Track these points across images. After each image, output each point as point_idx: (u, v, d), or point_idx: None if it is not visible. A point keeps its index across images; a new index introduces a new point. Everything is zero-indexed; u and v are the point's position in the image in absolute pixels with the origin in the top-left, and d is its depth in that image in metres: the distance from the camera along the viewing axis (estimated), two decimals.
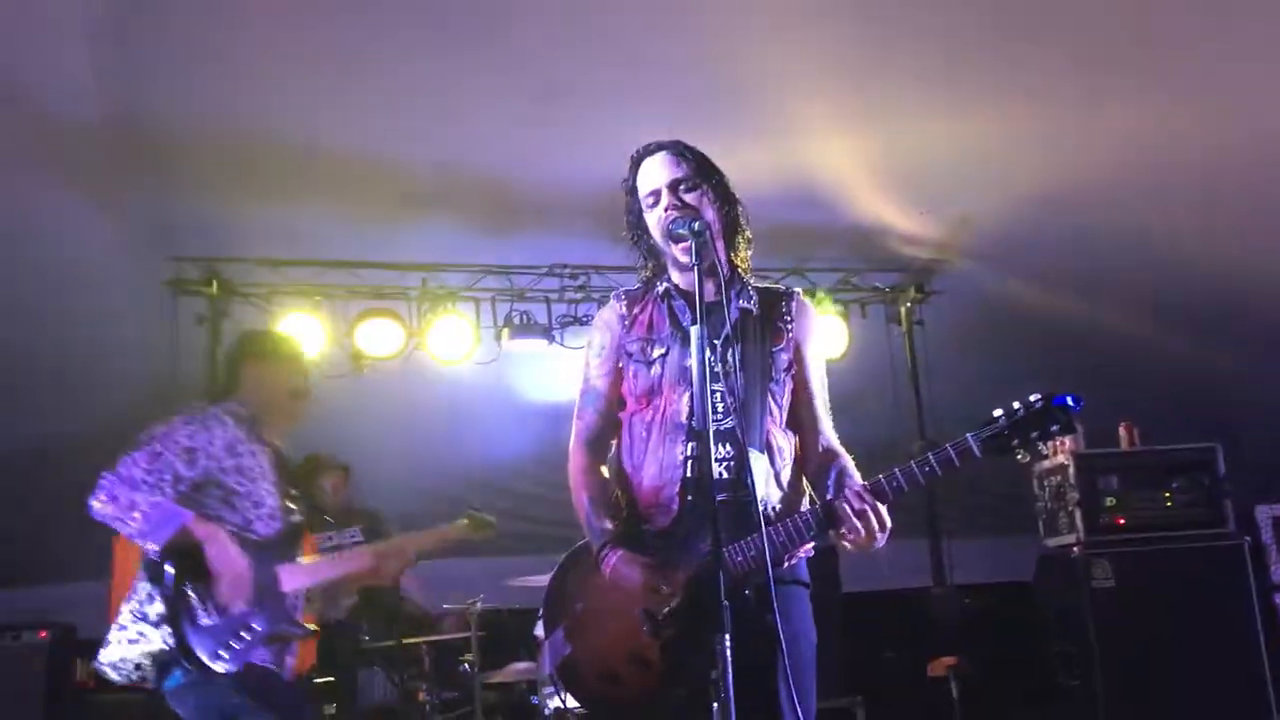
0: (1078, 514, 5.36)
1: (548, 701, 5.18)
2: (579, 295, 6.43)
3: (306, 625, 3.61)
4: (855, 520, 2.59)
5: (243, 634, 3.43)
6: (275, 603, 3.51)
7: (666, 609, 2.66)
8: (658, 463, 2.81)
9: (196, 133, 5.01)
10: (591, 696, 2.80)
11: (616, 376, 2.96)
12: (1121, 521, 5.35)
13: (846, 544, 2.64)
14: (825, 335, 3.05)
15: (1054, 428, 2.57)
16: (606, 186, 5.54)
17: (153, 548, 3.33)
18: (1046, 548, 5.66)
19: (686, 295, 2.88)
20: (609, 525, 2.79)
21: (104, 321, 6.01)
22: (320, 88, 4.91)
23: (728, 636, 2.36)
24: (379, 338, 6.04)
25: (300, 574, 3.61)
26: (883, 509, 2.62)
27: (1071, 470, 5.40)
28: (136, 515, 3.31)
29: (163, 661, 3.35)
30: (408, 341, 6.15)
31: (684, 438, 2.77)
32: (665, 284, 2.93)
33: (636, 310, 2.97)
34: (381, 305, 6.17)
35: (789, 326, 2.93)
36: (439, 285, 6.28)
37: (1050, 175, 5.55)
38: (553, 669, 2.83)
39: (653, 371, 2.87)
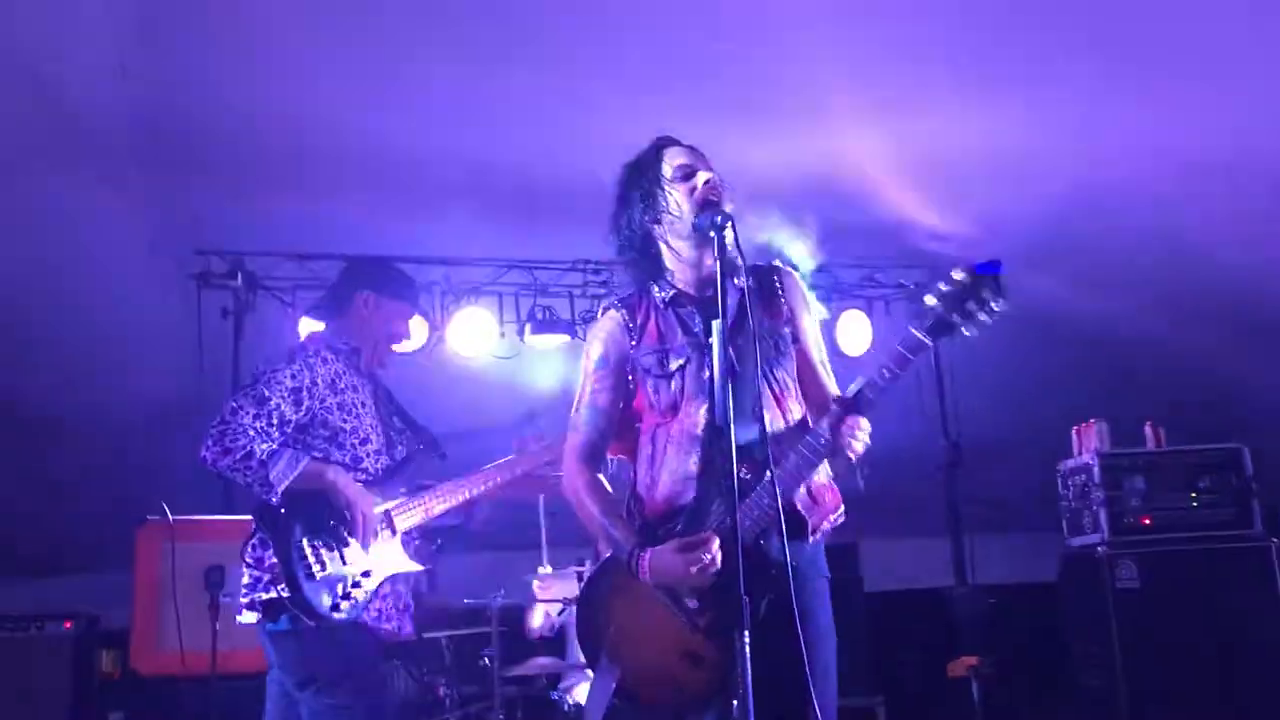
0: (1102, 514, 5.31)
1: (566, 696, 5.18)
2: (602, 290, 6.43)
3: (419, 565, 3.56)
4: (843, 437, 2.62)
5: (359, 581, 3.40)
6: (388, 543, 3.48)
7: (695, 602, 2.67)
8: (670, 474, 2.82)
9: (224, 127, 5.03)
10: (656, 707, 2.76)
11: (619, 391, 2.93)
12: (1147, 522, 5.30)
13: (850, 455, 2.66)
14: (812, 302, 3.06)
15: (985, 293, 2.56)
16: None
17: (273, 495, 3.29)
18: (1070, 548, 5.62)
19: (696, 302, 2.89)
20: (629, 532, 2.78)
21: (130, 314, 6.05)
22: (346, 82, 4.92)
23: (747, 634, 2.37)
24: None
25: (414, 514, 3.56)
26: (859, 420, 2.63)
27: (1097, 470, 5.36)
28: (254, 464, 3.25)
29: (273, 605, 3.32)
30: (430, 335, 6.16)
31: (697, 449, 2.78)
32: (666, 289, 2.92)
33: (640, 319, 2.94)
34: None
35: (783, 299, 2.94)
36: (462, 279, 6.29)
37: (1080, 172, 5.51)
38: (614, 699, 2.76)
39: (673, 386, 2.85)
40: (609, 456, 3.03)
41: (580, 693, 5.23)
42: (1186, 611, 5.12)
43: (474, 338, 6.20)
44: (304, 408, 3.40)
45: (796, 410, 2.86)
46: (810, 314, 2.99)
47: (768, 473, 2.59)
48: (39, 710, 5.18)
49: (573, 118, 5.11)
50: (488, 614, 5.19)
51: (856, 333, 6.46)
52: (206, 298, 5.90)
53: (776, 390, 2.85)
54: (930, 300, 2.60)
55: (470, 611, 5.49)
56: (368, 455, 3.53)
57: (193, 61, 4.83)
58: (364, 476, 3.49)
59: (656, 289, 2.93)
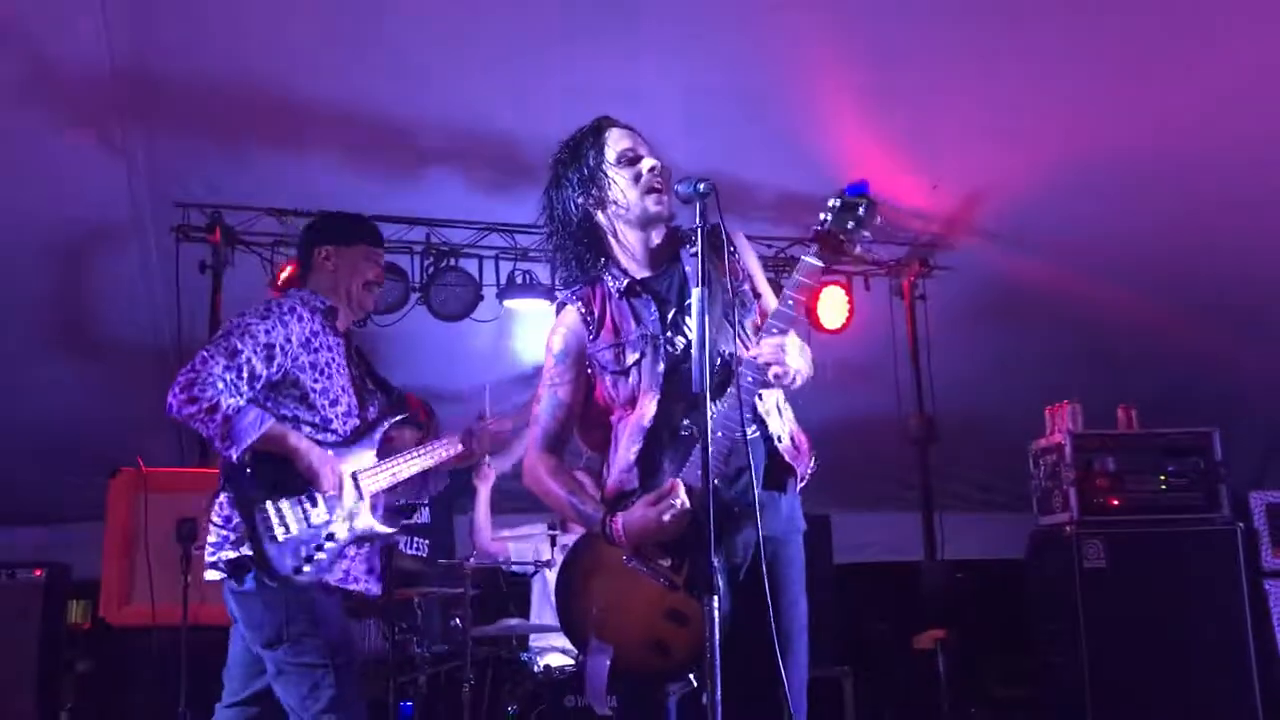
0: (1072, 493, 5.37)
1: (537, 658, 5.22)
2: None
3: (387, 528, 3.55)
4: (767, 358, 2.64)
5: (323, 543, 3.39)
6: (354, 505, 3.47)
7: (667, 560, 2.69)
8: (617, 465, 2.83)
9: (205, 79, 4.99)
10: (653, 674, 2.76)
11: (580, 384, 2.92)
12: (1116, 503, 5.36)
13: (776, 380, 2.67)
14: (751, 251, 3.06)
15: (860, 210, 2.66)
16: None
17: (234, 453, 3.26)
18: (1039, 526, 5.68)
19: (648, 287, 2.87)
20: (595, 503, 2.79)
21: (107, 264, 6.01)
22: (329, 41, 4.89)
23: (715, 599, 2.39)
24: (381, 292, 6.01)
25: (380, 476, 3.55)
26: (784, 341, 2.65)
27: (1068, 449, 5.41)
28: (218, 418, 3.21)
29: (238, 565, 3.32)
30: (408, 296, 6.14)
31: (640, 440, 2.77)
32: (619, 278, 2.89)
33: (596, 310, 2.90)
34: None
35: (739, 257, 2.93)
36: (442, 241, 6.27)
37: (1065, 154, 5.52)
38: (603, 680, 2.75)
39: (630, 380, 2.84)
40: (588, 452, 3.04)
41: (551, 658, 5.27)
42: (1152, 592, 5.19)
43: (453, 300, 6.17)
44: (276, 364, 3.36)
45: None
46: (752, 259, 2.98)
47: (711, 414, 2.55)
48: (5, 658, 5.16)
49: (557, 83, 5.08)
50: (461, 574, 5.21)
51: (836, 308, 6.46)
52: (185, 251, 5.85)
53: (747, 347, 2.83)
54: (816, 227, 2.70)
55: (444, 571, 5.50)
56: (337, 417, 3.50)
57: (176, 12, 4.78)
58: (333, 438, 3.47)
59: (610, 279, 2.90)
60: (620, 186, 2.85)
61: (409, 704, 5.17)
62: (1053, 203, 5.87)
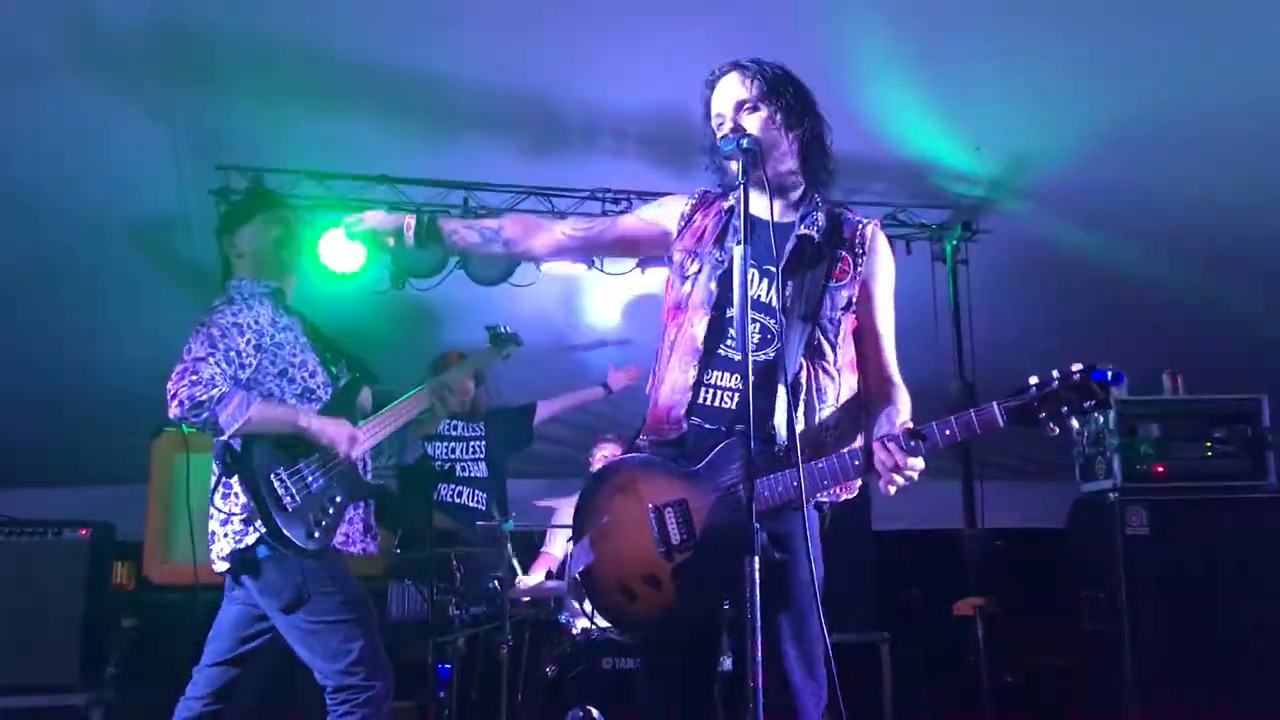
0: (1116, 460, 5.30)
1: (574, 620, 5.24)
2: None
3: (377, 484, 3.70)
4: (885, 470, 2.59)
5: (328, 508, 3.49)
6: (349, 470, 3.59)
7: (682, 538, 2.73)
8: (671, 383, 2.84)
9: (246, 40, 4.98)
10: (608, 608, 2.87)
11: (628, 233, 3.03)
12: (1160, 470, 5.29)
13: (881, 487, 2.63)
14: (893, 272, 2.94)
15: (1088, 403, 2.49)
16: (653, 110, 5.54)
17: (225, 435, 3.36)
18: (1082, 493, 5.62)
19: (757, 229, 2.83)
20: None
21: (148, 227, 6.05)
22: (370, 1, 4.86)
23: (757, 559, 2.39)
24: (351, 253, 5.98)
25: (362, 437, 3.64)
26: (911, 460, 2.59)
27: (1112, 416, 5.34)
28: (207, 400, 3.29)
29: (245, 557, 3.43)
30: (446, 260, 6.13)
31: (697, 362, 2.78)
32: (735, 199, 2.85)
33: (698, 216, 2.94)
34: None
35: (859, 261, 2.85)
36: (480, 205, 6.25)
37: (1111, 116, 5.42)
38: (576, 573, 2.90)
39: (684, 288, 2.87)
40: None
41: (585, 622, 5.29)
42: (1195, 560, 5.12)
43: (490, 265, 6.16)
44: (254, 345, 3.47)
45: (823, 378, 2.79)
46: (885, 282, 2.90)
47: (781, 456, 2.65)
48: (53, 615, 5.25)
49: (596, 44, 5.04)
50: (500, 536, 5.23)
51: None
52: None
53: (813, 353, 2.79)
54: (1032, 380, 2.53)
55: (484, 532, 5.54)
56: (319, 386, 3.63)
57: None
58: (319, 406, 3.58)
59: (730, 197, 2.90)
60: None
61: (447, 666, 5.22)
62: (1097, 166, 5.77)
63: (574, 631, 5.24)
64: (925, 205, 6.56)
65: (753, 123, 2.79)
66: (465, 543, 5.47)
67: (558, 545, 5.97)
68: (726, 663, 3.62)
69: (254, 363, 3.48)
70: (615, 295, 6.82)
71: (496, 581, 5.21)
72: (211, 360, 3.34)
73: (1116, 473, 5.29)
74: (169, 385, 3.32)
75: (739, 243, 2.55)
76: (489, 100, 5.45)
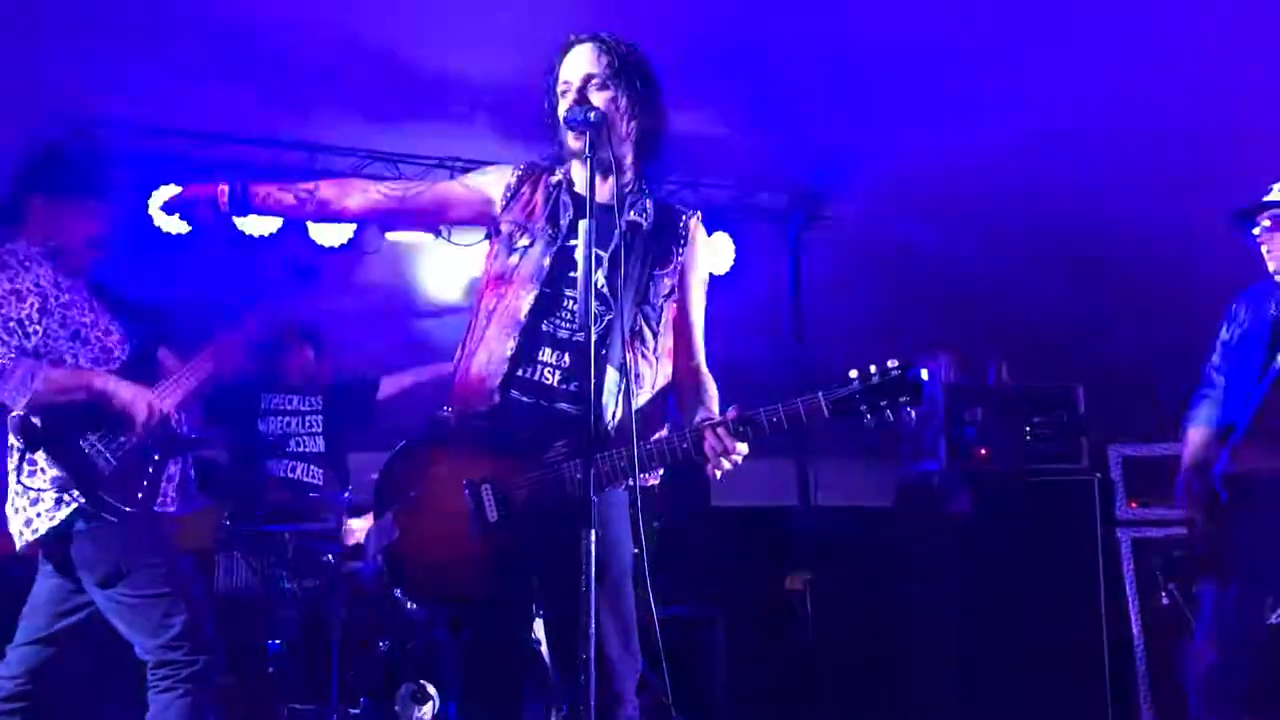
0: (941, 442, 5.51)
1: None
2: None
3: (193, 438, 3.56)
4: (714, 455, 2.65)
5: (147, 466, 3.34)
6: (162, 427, 3.42)
7: (498, 515, 2.70)
8: (488, 353, 2.80)
9: None
10: (417, 587, 2.87)
11: (437, 199, 3.00)
12: (983, 452, 5.52)
13: (708, 470, 2.69)
14: (711, 261, 3.04)
15: (903, 398, 2.57)
16: (509, 81, 5.46)
17: (16, 410, 3.19)
18: (909, 473, 5.82)
19: (577, 194, 2.84)
20: None
21: None
22: None
23: (594, 533, 2.40)
24: (258, 220, 5.82)
25: (167, 394, 3.48)
26: (739, 444, 2.66)
27: (940, 400, 5.54)
28: (8, 378, 3.14)
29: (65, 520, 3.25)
30: (286, 224, 5.95)
31: (517, 334, 2.76)
32: (562, 174, 2.88)
33: (525, 189, 2.91)
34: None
35: (679, 251, 2.89)
36: (324, 169, 6.08)
37: (953, 113, 5.60)
38: (378, 553, 2.84)
39: (511, 260, 2.84)
40: None
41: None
42: (1014, 538, 5.37)
43: (334, 230, 6.01)
44: (38, 308, 3.28)
45: (643, 365, 2.84)
46: (701, 273, 2.96)
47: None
48: None
49: (454, 8, 4.95)
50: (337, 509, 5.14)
51: (722, 253, 6.50)
52: None
53: (634, 337, 2.83)
54: (853, 374, 2.60)
55: (318, 505, 5.42)
56: (115, 345, 3.46)
57: None
58: (116, 366, 3.42)
59: (557, 171, 2.90)
60: (560, 115, 2.82)
61: (276, 642, 5.10)
62: (938, 160, 5.96)
63: (408, 605, 5.17)
64: (771, 190, 6.68)
65: (598, 100, 2.77)
66: (297, 517, 5.32)
67: None
68: (539, 633, 3.63)
69: (40, 329, 3.28)
70: (461, 267, 6.74)
71: (330, 555, 5.10)
72: None
73: (942, 454, 5.49)
74: None
75: (583, 219, 2.57)
76: (333, 57, 5.30)
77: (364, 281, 6.54)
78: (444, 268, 6.73)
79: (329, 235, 6.01)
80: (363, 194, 2.98)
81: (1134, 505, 5.58)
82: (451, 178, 6.04)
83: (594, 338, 2.49)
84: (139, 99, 5.48)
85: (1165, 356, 5.01)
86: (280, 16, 4.96)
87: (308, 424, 5.75)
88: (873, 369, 2.58)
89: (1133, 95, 5.33)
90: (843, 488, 7.36)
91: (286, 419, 5.71)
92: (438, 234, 6.24)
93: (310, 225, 5.93)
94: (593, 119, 2.63)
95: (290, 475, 5.64)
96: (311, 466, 5.69)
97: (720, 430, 2.64)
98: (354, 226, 6.01)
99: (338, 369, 6.07)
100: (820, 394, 2.62)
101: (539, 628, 3.35)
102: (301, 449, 5.63)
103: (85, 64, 5.14)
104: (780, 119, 5.75)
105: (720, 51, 5.16)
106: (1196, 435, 4.09)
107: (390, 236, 6.19)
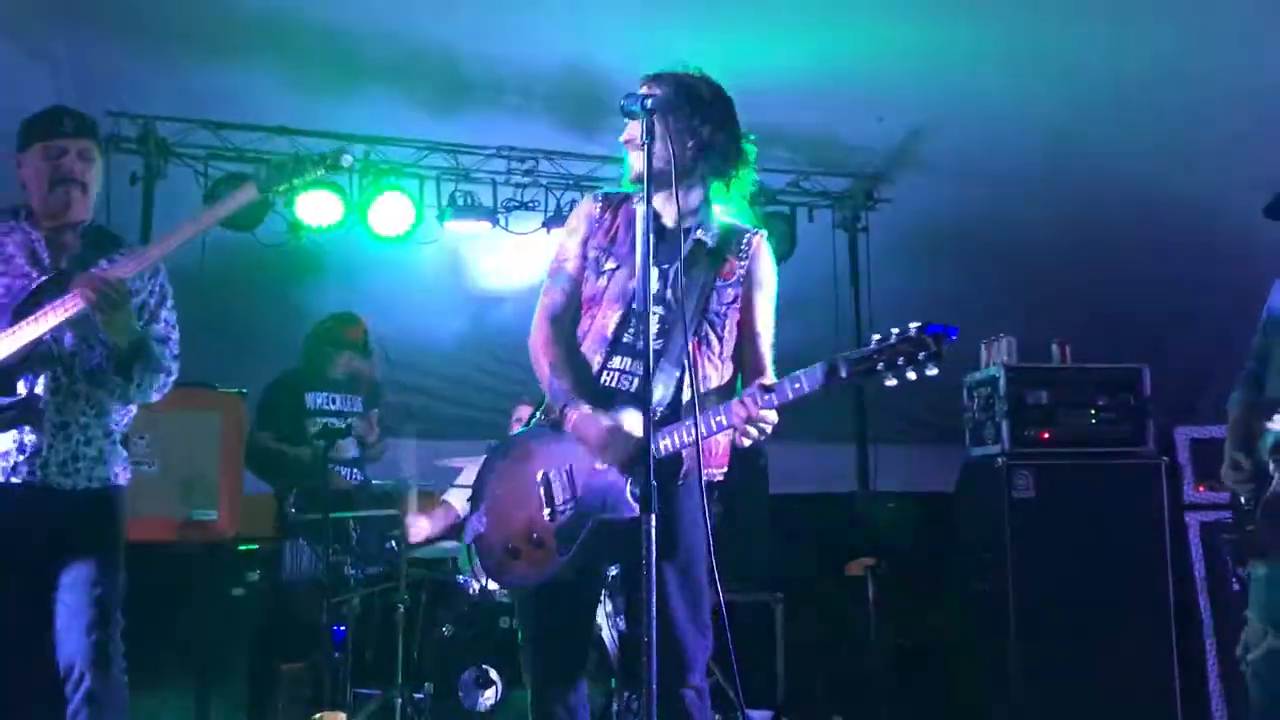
0: (1004, 425, 5.44)
1: (472, 581, 5.23)
2: (526, 180, 6.34)
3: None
4: (740, 422, 2.73)
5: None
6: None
7: (566, 499, 2.89)
8: (582, 368, 2.99)
9: None
10: (496, 567, 3.05)
11: (579, 269, 3.08)
12: (1046, 435, 5.44)
13: (736, 440, 2.81)
14: (774, 280, 3.09)
15: (922, 354, 2.54)
16: (562, 69, 5.49)
17: None
18: (970, 457, 5.76)
19: (661, 225, 2.96)
20: (569, 385, 2.93)
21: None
22: None
23: (654, 516, 2.44)
24: (318, 208, 5.90)
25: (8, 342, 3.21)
26: (764, 412, 2.71)
27: (1002, 382, 5.47)
28: None
29: None
30: (347, 215, 6.02)
31: (604, 350, 2.95)
32: (637, 201, 2.97)
33: (609, 216, 3.06)
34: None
35: (742, 263, 3.01)
36: (382, 159, 6.14)
37: (1012, 90, 5.52)
38: (470, 540, 3.08)
39: (599, 283, 3.01)
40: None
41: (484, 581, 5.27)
42: (1077, 522, 5.29)
43: (393, 219, 6.06)
44: None
45: (708, 367, 2.96)
46: (768, 289, 3.06)
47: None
48: None
49: (503, 1, 4.97)
50: (399, 497, 5.20)
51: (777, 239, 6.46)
52: (115, 162, 5.67)
53: (702, 343, 2.96)
54: (875, 337, 2.60)
55: (383, 494, 5.49)
56: None
57: None
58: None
59: (637, 200, 2.98)
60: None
61: (342, 627, 5.16)
62: (996, 138, 5.89)
63: (471, 591, 5.22)
64: (827, 173, 6.64)
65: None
66: (360, 505, 5.39)
67: (455, 497, 5.86)
68: (620, 623, 3.85)
69: None
70: (520, 253, 6.76)
71: (393, 541, 5.16)
72: None
73: (1005, 438, 5.43)
74: None
75: (650, 234, 2.66)
76: (392, 52, 5.35)
77: (423, 270, 6.61)
78: (501, 255, 6.77)
79: (387, 224, 6.06)
80: (556, 327, 3.04)
81: (1202, 489, 5.46)
82: (509, 166, 6.19)
83: (658, 346, 2.69)
84: (200, 95, 5.58)
85: (1233, 337, 4.92)
86: (334, 12, 5.02)
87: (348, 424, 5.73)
88: (894, 330, 2.59)
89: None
90: (903, 473, 7.32)
91: (330, 419, 5.68)
92: (495, 222, 6.28)
93: (369, 213, 5.99)
94: (649, 105, 2.69)
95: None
96: (354, 471, 5.73)
97: (746, 399, 2.73)
98: (412, 215, 6.06)
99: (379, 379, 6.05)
100: (839, 356, 2.64)
101: (601, 615, 3.43)
102: (342, 454, 5.64)
103: (143, 58, 5.23)
104: (838, 99, 5.71)
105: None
106: (1238, 412, 3.99)
107: (448, 226, 6.23)
